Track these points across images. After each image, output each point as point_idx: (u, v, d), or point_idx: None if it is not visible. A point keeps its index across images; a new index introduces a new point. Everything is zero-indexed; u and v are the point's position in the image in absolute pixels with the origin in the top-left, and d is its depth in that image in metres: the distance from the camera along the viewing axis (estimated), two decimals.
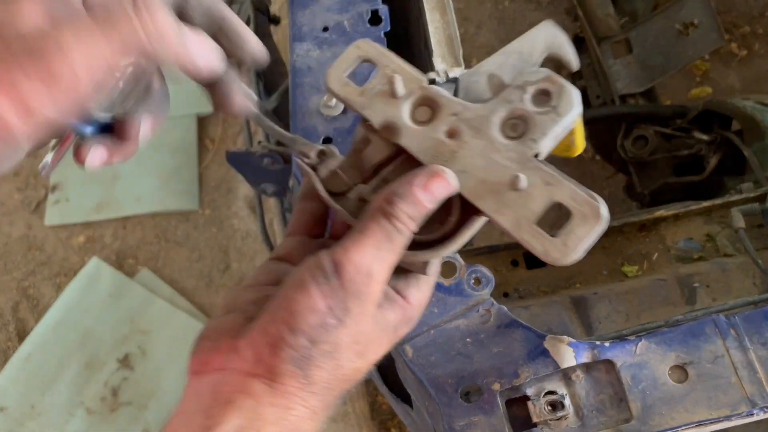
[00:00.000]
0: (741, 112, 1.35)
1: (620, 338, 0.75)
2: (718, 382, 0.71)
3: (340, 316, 0.46)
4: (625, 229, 1.11)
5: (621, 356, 0.72)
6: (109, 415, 2.04)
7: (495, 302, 0.77)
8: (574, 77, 1.85)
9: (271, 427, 0.45)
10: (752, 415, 0.70)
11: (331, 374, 0.47)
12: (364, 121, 0.55)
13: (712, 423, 0.70)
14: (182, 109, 2.39)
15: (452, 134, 0.51)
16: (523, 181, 0.48)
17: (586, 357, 0.73)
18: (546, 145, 0.49)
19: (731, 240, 1.06)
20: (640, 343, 0.73)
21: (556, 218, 0.52)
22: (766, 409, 0.70)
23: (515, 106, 0.50)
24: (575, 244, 0.46)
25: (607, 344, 0.73)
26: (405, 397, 0.97)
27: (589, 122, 1.71)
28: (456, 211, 0.51)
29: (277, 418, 0.46)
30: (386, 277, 0.49)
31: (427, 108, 0.53)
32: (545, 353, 0.73)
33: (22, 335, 2.18)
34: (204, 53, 0.48)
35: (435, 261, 0.53)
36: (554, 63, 0.54)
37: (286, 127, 0.98)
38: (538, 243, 0.47)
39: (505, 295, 1.02)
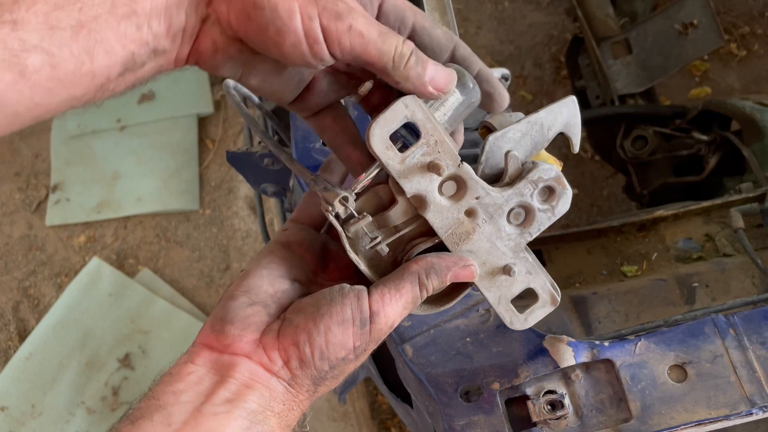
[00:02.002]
0: (740, 113, 1.35)
1: (620, 338, 0.75)
2: (718, 382, 0.71)
3: (359, 354, 0.54)
4: (625, 229, 1.12)
5: (620, 356, 0.73)
6: (110, 414, 2.04)
7: None
8: (574, 77, 1.85)
9: (276, 417, 0.53)
10: (751, 414, 0.70)
11: (328, 389, 0.56)
12: (393, 182, 0.58)
13: (711, 422, 0.70)
14: (183, 109, 2.39)
15: (470, 214, 0.59)
16: (515, 272, 0.60)
17: (585, 356, 0.73)
18: (537, 235, 0.60)
19: (730, 240, 1.06)
20: (639, 343, 0.73)
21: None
22: (765, 409, 0.70)
23: (524, 199, 0.58)
24: (533, 321, 0.63)
25: (606, 344, 0.74)
26: (405, 397, 0.97)
27: (588, 122, 1.73)
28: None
29: (282, 413, 0.53)
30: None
31: (454, 183, 0.58)
32: (545, 353, 0.73)
33: (22, 335, 2.19)
34: None
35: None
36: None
37: (286, 127, 0.98)
38: (509, 316, 0.62)
39: None
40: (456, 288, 0.62)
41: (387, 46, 0.51)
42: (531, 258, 0.61)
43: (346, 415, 1.87)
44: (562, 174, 0.59)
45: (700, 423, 0.69)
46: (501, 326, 0.75)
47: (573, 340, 0.73)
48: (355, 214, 0.58)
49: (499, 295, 0.62)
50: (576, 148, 0.62)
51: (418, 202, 0.58)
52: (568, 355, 0.72)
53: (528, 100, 2.27)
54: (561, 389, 0.72)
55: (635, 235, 1.11)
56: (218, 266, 2.23)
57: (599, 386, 0.72)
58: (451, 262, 0.57)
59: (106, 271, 2.22)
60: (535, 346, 0.73)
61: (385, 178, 0.59)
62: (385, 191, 0.60)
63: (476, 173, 0.59)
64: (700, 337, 0.73)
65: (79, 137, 2.40)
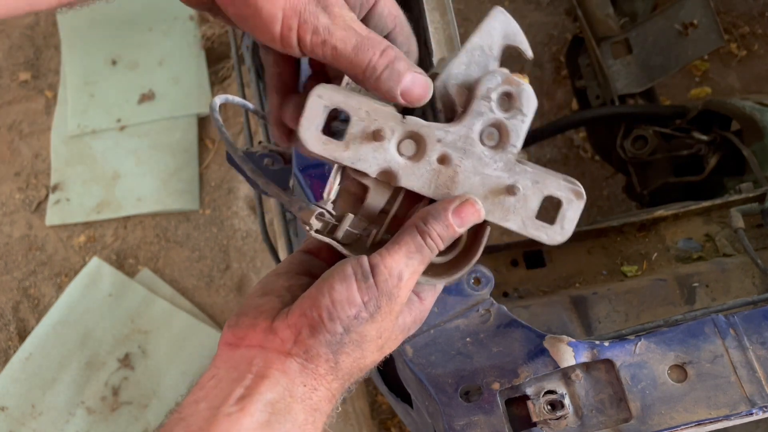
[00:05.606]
0: (740, 112, 1.35)
1: (620, 338, 0.75)
2: (718, 382, 0.71)
3: (372, 311, 0.52)
4: (625, 229, 1.11)
5: (620, 356, 0.73)
6: (110, 414, 2.04)
7: (495, 302, 0.78)
8: (574, 77, 1.85)
9: (299, 403, 0.51)
10: (751, 414, 0.70)
11: (354, 363, 0.53)
12: (352, 170, 0.56)
13: (711, 422, 0.70)
14: (183, 109, 2.39)
15: (442, 160, 0.56)
16: (520, 187, 0.56)
17: (585, 356, 0.73)
18: (521, 143, 0.56)
19: (730, 240, 1.06)
20: (639, 343, 0.73)
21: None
22: (765, 409, 0.70)
23: (487, 117, 0.55)
24: (570, 225, 0.58)
25: (606, 344, 0.74)
26: (405, 397, 0.97)
27: (588, 122, 1.73)
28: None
29: (305, 396, 0.51)
30: (413, 284, 0.55)
31: (411, 141, 0.56)
32: (545, 353, 0.73)
33: (22, 335, 2.19)
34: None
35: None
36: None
37: None
38: (543, 234, 0.57)
39: (505, 294, 1.02)
40: (474, 240, 0.59)
41: (359, 60, 0.52)
42: (530, 168, 0.57)
43: (346, 415, 1.87)
44: (508, 72, 0.56)
45: (700, 423, 0.69)
46: (501, 326, 0.75)
47: (573, 340, 0.73)
48: (336, 222, 0.56)
49: (521, 219, 0.57)
50: (528, 53, 0.60)
51: (387, 176, 0.56)
52: (568, 355, 0.72)
53: None
54: (561, 389, 0.72)
55: (635, 235, 1.11)
56: (218, 266, 2.23)
57: (599, 386, 0.72)
58: (446, 203, 0.56)
59: (106, 271, 2.22)
60: (535, 346, 0.73)
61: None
62: (354, 184, 0.58)
63: (439, 120, 0.57)
64: (700, 337, 0.73)
65: (79, 137, 2.40)
